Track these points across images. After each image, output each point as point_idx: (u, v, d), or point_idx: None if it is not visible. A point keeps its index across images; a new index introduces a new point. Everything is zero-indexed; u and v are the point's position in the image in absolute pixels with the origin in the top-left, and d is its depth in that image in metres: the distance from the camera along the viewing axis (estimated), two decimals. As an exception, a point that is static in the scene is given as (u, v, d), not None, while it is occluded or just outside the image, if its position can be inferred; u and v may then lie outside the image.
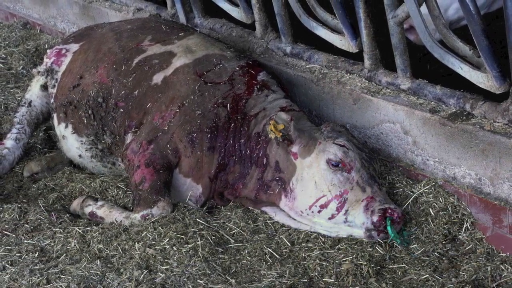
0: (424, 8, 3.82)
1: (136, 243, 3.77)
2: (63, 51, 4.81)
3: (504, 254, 3.62)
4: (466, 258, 3.64)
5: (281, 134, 3.91)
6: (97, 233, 3.90)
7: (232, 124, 4.10)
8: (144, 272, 3.56)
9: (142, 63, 4.42)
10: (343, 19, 4.24)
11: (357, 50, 4.28)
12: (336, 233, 3.85)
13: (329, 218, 3.83)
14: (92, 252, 3.78)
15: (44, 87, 4.82)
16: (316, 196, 3.85)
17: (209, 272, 3.57)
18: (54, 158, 4.78)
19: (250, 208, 4.11)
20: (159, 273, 3.56)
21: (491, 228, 3.70)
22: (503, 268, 3.52)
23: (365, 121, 4.24)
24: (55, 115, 4.71)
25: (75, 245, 3.83)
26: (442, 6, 3.88)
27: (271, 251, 3.76)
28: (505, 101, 3.61)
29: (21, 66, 6.19)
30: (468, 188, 3.80)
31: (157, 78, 4.32)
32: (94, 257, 3.74)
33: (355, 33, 4.24)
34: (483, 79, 3.62)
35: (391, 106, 4.07)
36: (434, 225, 3.79)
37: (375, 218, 3.72)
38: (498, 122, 3.64)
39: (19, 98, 5.38)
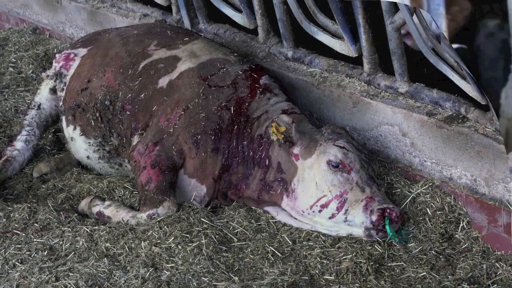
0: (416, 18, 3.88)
1: (142, 241, 3.80)
2: (72, 55, 4.83)
3: (499, 253, 3.65)
4: (463, 256, 3.66)
5: (282, 136, 3.94)
6: (104, 232, 3.93)
7: (236, 127, 4.14)
8: (150, 270, 3.59)
9: (148, 67, 4.46)
10: (343, 24, 4.27)
11: (357, 55, 4.32)
12: (336, 232, 3.88)
13: (330, 218, 3.87)
14: (99, 251, 3.81)
15: (53, 91, 4.84)
16: (317, 196, 3.89)
17: (213, 270, 3.60)
18: (63, 159, 4.80)
19: (253, 207, 4.14)
20: (165, 271, 3.60)
21: (486, 227, 3.72)
22: (498, 266, 3.55)
23: (364, 124, 4.27)
24: (63, 118, 4.74)
25: (83, 243, 3.86)
26: (427, 20, 3.92)
27: (273, 249, 3.79)
28: (489, 112, 3.68)
29: (31, 70, 6.18)
30: (464, 188, 3.82)
31: (163, 82, 4.36)
32: (101, 255, 3.77)
33: (355, 38, 4.27)
34: (469, 88, 3.69)
35: (389, 109, 4.11)
36: (431, 224, 3.81)
37: (374, 218, 3.76)
38: (488, 128, 3.69)
39: (28, 101, 5.37)
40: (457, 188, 3.86)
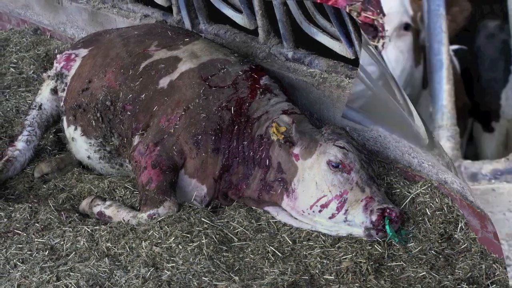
0: None
1: (143, 241, 3.82)
2: (73, 56, 4.85)
3: (495, 255, 3.64)
4: (462, 257, 3.68)
5: (283, 136, 3.96)
6: (105, 232, 3.94)
7: (236, 127, 4.15)
8: (151, 270, 3.60)
9: (148, 68, 4.48)
10: (338, 28, 4.29)
11: (354, 57, 4.33)
12: (336, 232, 3.90)
13: (330, 218, 3.89)
14: (100, 250, 3.82)
15: (54, 91, 4.86)
16: (317, 196, 3.91)
17: (214, 270, 3.62)
18: (64, 159, 4.82)
19: (253, 207, 4.16)
20: (165, 271, 3.61)
21: (480, 231, 3.73)
22: (496, 267, 3.56)
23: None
24: (64, 118, 4.76)
25: (84, 243, 3.87)
26: None
27: (274, 249, 3.81)
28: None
29: (32, 71, 6.21)
30: (457, 193, 3.85)
31: (163, 82, 4.38)
32: (102, 255, 3.78)
33: (351, 41, 4.29)
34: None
35: (389, 110, 4.16)
36: (430, 225, 3.83)
37: (374, 218, 3.77)
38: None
39: (30, 102, 5.40)
40: (452, 191, 3.88)
